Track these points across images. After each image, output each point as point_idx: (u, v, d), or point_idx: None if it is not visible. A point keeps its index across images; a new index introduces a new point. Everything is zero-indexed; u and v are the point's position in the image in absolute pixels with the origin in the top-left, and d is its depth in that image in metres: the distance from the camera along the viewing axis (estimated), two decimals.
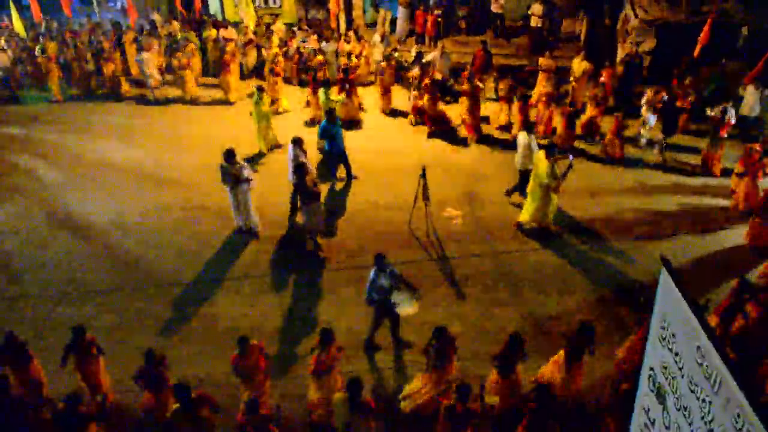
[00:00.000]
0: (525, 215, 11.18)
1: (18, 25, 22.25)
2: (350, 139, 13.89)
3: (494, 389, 7.53)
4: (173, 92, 18.38)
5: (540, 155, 10.62)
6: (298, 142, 11.72)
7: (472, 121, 14.68)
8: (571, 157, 10.65)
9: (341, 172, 13.22)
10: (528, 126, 11.94)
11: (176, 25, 21.24)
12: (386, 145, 14.78)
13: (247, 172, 10.86)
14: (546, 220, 11.05)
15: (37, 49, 18.88)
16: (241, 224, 11.40)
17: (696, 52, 15.67)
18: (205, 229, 11.76)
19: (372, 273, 8.24)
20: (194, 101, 17.89)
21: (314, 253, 10.91)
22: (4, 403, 7.04)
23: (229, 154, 10.77)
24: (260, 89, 14.21)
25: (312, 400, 7.58)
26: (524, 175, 11.54)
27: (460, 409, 6.54)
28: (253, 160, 13.94)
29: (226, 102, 17.71)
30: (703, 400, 3.64)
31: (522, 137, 11.47)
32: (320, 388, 7.47)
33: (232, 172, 10.73)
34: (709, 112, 12.91)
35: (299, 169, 10.52)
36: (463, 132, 15.00)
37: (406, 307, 8.24)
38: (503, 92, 15.16)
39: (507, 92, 15.02)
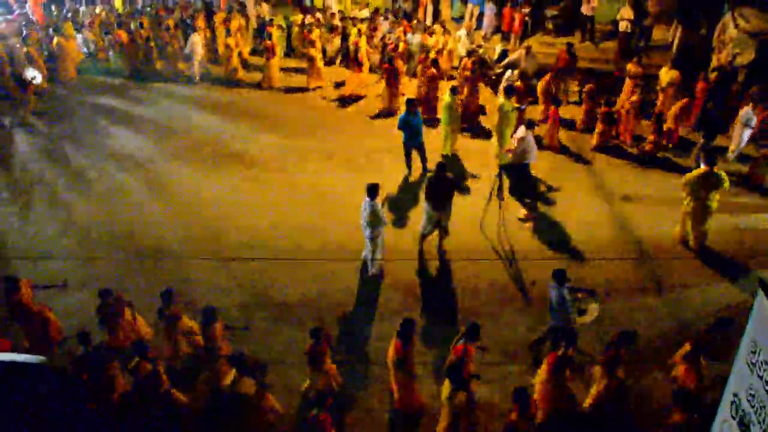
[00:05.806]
0: (681, 230, 11.00)
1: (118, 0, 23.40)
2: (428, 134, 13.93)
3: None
4: (257, 76, 18.52)
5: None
6: (531, 126, 11.70)
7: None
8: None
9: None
10: None
11: (266, 7, 21.69)
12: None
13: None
14: (703, 238, 10.75)
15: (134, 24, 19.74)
16: (374, 271, 10.11)
17: None
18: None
19: (558, 291, 7.89)
20: (270, 86, 18.09)
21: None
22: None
23: (373, 190, 9.10)
24: (454, 91, 13.40)
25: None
26: None
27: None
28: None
29: (305, 89, 17.91)
30: None
31: None
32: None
33: (380, 212, 9.23)
34: None
35: (438, 168, 10.09)
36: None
37: (586, 316, 8.00)
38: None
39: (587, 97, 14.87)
